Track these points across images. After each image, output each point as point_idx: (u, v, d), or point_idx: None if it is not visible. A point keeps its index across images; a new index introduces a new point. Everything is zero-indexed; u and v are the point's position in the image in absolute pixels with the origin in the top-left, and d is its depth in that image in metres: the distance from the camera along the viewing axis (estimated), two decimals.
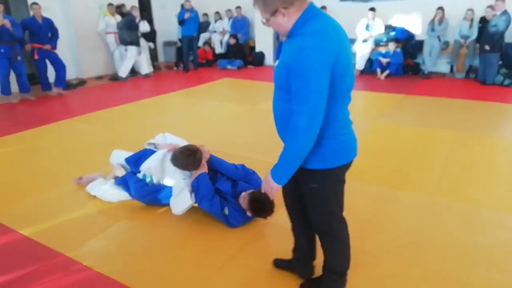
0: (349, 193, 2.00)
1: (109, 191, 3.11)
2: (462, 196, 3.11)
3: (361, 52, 8.03)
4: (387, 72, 7.72)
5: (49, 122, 5.29)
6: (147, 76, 8.58)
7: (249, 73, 8.84)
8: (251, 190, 2.75)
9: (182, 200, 2.78)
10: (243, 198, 2.70)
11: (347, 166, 1.79)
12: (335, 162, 1.71)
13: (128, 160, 3.20)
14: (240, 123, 5.27)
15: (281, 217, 2.63)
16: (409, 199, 3.09)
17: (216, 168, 2.94)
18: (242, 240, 2.60)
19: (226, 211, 2.71)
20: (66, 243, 2.62)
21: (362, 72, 8.14)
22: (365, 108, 6.03)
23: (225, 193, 2.84)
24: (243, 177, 2.97)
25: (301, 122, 1.54)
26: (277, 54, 8.85)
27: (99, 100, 6.70)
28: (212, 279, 2.26)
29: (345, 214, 1.93)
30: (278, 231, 2.69)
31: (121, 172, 3.22)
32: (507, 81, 6.76)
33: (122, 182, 3.11)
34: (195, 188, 2.72)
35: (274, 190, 1.73)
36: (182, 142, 3.27)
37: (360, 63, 8.08)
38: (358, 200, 3.04)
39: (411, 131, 4.75)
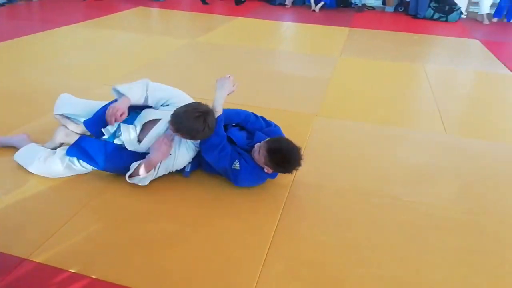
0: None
1: (57, 167, 2.09)
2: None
3: None
4: (321, 3, 7.24)
5: None
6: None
7: (167, 3, 7.51)
8: (267, 138, 2.08)
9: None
10: (259, 149, 2.02)
11: None
12: None
13: (90, 122, 2.17)
14: (188, 59, 4.32)
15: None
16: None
17: (231, 118, 2.18)
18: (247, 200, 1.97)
19: (237, 165, 2.03)
20: (23, 243, 1.68)
21: (294, 3, 7.53)
22: (316, 42, 5.53)
23: (238, 144, 2.14)
24: (263, 128, 2.26)
25: None
26: None
27: None
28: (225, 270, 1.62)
29: None
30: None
31: (73, 136, 2.20)
32: (436, 15, 6.87)
33: (79, 152, 2.11)
34: None
35: None
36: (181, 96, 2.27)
37: None
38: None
39: (375, 65, 4.44)
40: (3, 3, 6.48)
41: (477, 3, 7.09)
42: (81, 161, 2.08)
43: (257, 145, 2.07)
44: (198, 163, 2.20)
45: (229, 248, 1.74)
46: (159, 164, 2.04)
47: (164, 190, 2.09)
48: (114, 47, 4.67)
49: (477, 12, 7.13)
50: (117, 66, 3.93)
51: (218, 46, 4.87)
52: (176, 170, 2.15)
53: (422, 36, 5.94)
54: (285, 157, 1.99)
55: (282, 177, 2.20)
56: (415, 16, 7.01)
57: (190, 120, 1.90)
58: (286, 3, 7.45)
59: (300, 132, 2.74)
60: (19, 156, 2.17)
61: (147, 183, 2.05)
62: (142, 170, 2.00)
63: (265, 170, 2.04)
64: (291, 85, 3.68)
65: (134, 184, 2.04)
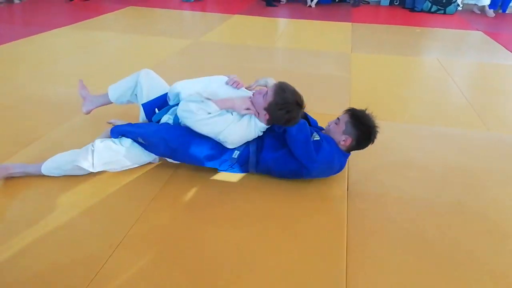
0: None
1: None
2: None
3: None
4: None
5: None
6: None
7: (160, 1, 7.18)
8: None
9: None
10: (339, 120, 2.06)
11: None
12: None
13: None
14: (195, 61, 4.05)
15: None
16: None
17: None
18: None
19: (317, 136, 1.98)
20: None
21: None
22: (325, 38, 5.32)
23: (312, 124, 2.22)
24: None
25: None
26: None
27: None
28: None
29: None
30: None
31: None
32: (434, 8, 6.80)
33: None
34: None
35: None
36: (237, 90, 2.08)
37: None
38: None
39: (390, 60, 4.28)
40: None
41: None
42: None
43: (332, 121, 2.08)
44: (246, 165, 2.02)
45: (300, 271, 1.52)
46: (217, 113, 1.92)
47: (206, 206, 1.85)
48: (108, 50, 4.35)
49: (475, 4, 7.09)
50: (114, 70, 3.63)
51: (220, 45, 4.63)
52: (209, 164, 2.00)
53: (423, 29, 5.84)
54: (371, 120, 2.00)
55: (335, 188, 2.01)
56: (412, 9, 6.92)
57: (292, 107, 1.86)
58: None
59: None
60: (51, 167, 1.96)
61: (193, 120, 1.91)
62: (213, 105, 1.91)
63: (342, 143, 1.99)
64: (313, 85, 3.47)
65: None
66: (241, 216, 1.83)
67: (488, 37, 5.41)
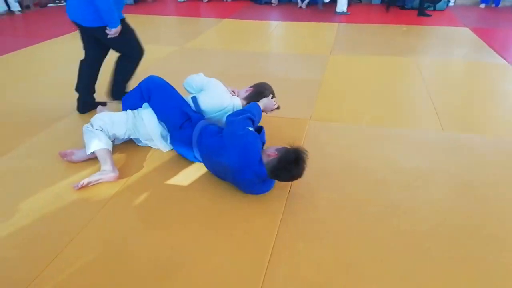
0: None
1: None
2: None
3: None
4: (307, 0, 7.17)
5: None
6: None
7: (150, 8, 7.41)
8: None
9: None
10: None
11: None
12: None
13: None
14: (176, 67, 4.23)
15: None
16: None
17: None
18: None
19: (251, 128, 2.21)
20: (8, 283, 1.60)
21: (280, 0, 7.44)
22: (305, 40, 5.45)
23: None
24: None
25: None
26: None
27: None
28: None
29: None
30: None
31: None
32: (425, 4, 6.80)
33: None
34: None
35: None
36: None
37: None
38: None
39: (368, 61, 4.37)
40: None
41: None
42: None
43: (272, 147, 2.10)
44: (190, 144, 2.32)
45: (224, 270, 1.67)
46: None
47: (154, 209, 2.02)
48: None
49: None
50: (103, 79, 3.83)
51: (205, 51, 4.78)
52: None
53: (411, 27, 5.89)
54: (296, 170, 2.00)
55: (278, 189, 2.14)
56: (402, 7, 6.95)
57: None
58: (272, 1, 7.36)
59: (294, 138, 2.66)
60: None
61: None
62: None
63: (267, 153, 2.02)
64: (283, 89, 3.55)
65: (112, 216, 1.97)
66: (184, 218, 1.98)
67: (474, 34, 5.43)
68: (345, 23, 6.07)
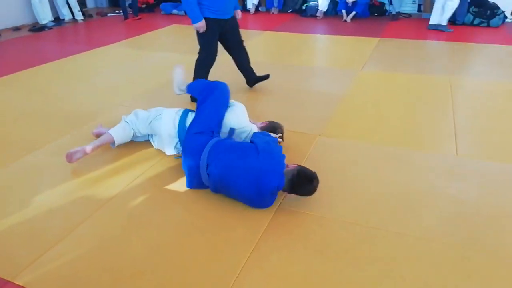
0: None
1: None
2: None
3: None
4: (353, 13, 7.10)
5: None
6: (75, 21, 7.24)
7: None
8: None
9: None
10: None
11: None
12: None
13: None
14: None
15: None
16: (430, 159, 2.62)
17: None
18: None
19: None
20: (11, 263, 1.83)
21: (325, 14, 7.45)
22: (341, 54, 5.43)
23: None
24: None
25: None
26: None
27: (20, 56, 5.39)
28: None
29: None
30: None
31: None
32: (477, 20, 6.48)
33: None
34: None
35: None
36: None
37: (323, 4, 7.34)
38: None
39: (399, 78, 4.27)
40: (52, 25, 7.05)
41: None
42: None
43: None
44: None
45: (195, 274, 1.77)
46: None
47: (150, 213, 2.17)
48: (142, 65, 4.90)
49: None
50: (139, 84, 4.13)
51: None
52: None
53: (458, 44, 5.62)
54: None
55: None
56: (453, 23, 6.64)
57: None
58: (317, 14, 7.39)
59: (299, 154, 2.73)
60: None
61: None
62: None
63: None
64: (301, 102, 3.66)
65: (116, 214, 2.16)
66: (172, 221, 2.12)
67: None
68: (387, 38, 5.95)
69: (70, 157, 2.52)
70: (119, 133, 2.70)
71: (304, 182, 2.14)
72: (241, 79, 3.95)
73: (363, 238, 1.99)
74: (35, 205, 2.24)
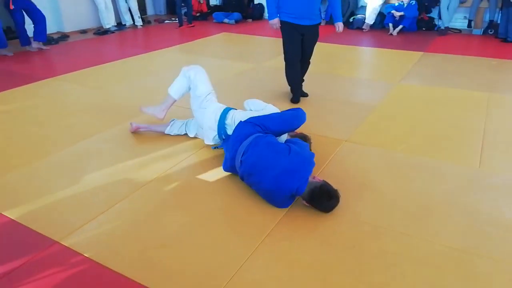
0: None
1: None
2: None
3: (372, 5, 7.36)
4: (400, 27, 7.12)
5: (32, 82, 4.64)
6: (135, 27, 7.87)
7: (249, 28, 8.12)
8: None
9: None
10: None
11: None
12: None
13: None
14: (247, 82, 4.71)
15: None
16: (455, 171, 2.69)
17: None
18: None
19: None
20: (60, 228, 2.17)
21: (372, 26, 7.52)
22: (382, 67, 5.52)
23: None
24: None
25: None
26: None
27: (85, 56, 6.00)
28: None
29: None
30: None
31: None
32: None
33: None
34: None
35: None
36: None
37: (370, 17, 7.42)
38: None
39: (436, 92, 4.30)
40: (114, 30, 7.72)
41: None
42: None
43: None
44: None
45: (209, 252, 2.01)
46: None
47: (189, 200, 2.46)
48: None
49: None
50: None
51: (277, 70, 5.15)
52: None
53: (504, 62, 5.49)
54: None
55: None
56: (505, 40, 6.47)
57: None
58: (363, 27, 7.48)
59: (322, 156, 2.89)
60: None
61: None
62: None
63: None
64: (333, 109, 3.82)
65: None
66: (198, 205, 2.38)
67: None
68: (431, 53, 5.93)
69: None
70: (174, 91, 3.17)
71: (323, 197, 2.24)
72: (285, 86, 4.16)
73: (371, 235, 2.13)
74: (84, 182, 2.60)
